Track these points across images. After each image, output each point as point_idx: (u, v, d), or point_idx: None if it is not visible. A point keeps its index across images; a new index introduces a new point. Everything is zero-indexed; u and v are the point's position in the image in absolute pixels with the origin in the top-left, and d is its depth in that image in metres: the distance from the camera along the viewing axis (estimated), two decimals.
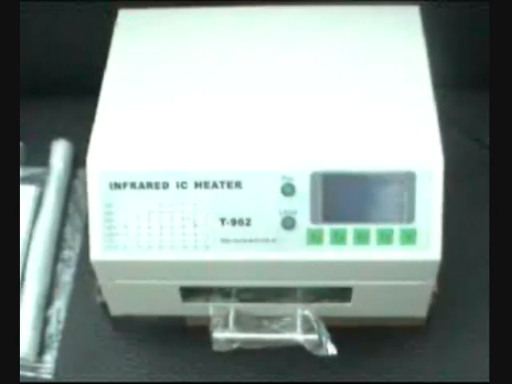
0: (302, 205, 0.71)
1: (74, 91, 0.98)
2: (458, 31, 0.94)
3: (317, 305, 0.77)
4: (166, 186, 0.72)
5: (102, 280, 0.76)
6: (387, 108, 0.74)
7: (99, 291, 0.79)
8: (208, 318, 0.78)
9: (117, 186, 0.72)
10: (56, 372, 0.83)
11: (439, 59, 0.79)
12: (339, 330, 0.77)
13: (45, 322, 0.86)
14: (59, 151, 0.97)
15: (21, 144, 0.97)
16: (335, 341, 0.77)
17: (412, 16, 0.82)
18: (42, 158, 0.97)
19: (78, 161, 0.97)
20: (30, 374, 0.83)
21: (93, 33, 0.94)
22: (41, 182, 0.95)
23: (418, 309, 0.78)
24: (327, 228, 0.72)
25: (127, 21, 0.83)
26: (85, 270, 0.86)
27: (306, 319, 0.77)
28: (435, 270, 0.74)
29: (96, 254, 0.73)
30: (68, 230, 0.93)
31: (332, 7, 0.83)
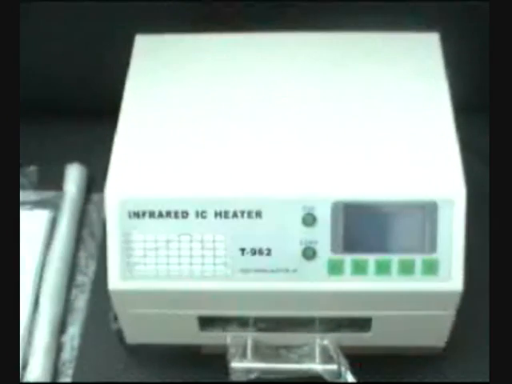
0: (322, 235, 0.71)
1: (88, 115, 0.98)
2: (479, 58, 0.94)
3: (336, 334, 0.77)
4: (185, 215, 0.71)
5: (119, 309, 0.75)
6: (408, 136, 0.74)
7: (115, 318, 0.78)
8: (223, 347, 0.77)
9: (135, 214, 0.71)
10: None
11: (460, 85, 0.79)
12: (357, 358, 0.76)
13: (59, 348, 0.85)
14: (73, 175, 0.96)
15: (33, 167, 0.97)
16: (354, 370, 0.76)
17: (432, 43, 0.82)
18: (55, 182, 0.96)
19: (91, 185, 0.97)
20: None
21: (108, 56, 0.94)
22: (54, 206, 0.95)
23: (438, 338, 0.78)
24: (348, 258, 0.71)
25: (144, 46, 0.83)
26: (99, 295, 0.85)
27: (324, 349, 0.77)
28: (457, 301, 0.73)
29: (114, 284, 0.72)
30: (82, 255, 0.92)
31: (351, 34, 0.82)
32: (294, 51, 0.81)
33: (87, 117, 0.98)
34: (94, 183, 0.97)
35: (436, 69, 0.80)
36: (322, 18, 0.86)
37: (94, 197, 0.96)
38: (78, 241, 0.93)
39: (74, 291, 0.90)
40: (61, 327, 0.87)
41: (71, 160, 0.98)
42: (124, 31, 0.83)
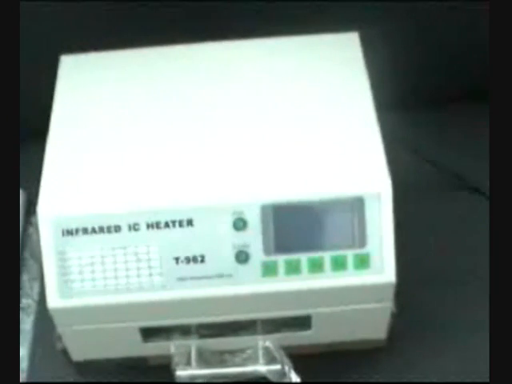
0: (254, 238, 0.72)
1: (22, 137, 0.97)
2: (398, 54, 0.96)
3: (277, 335, 0.78)
4: (118, 229, 0.72)
5: (60, 327, 0.76)
6: (331, 135, 0.75)
7: (59, 338, 0.79)
8: (170, 357, 0.78)
9: (69, 232, 0.72)
10: None
11: (381, 82, 0.80)
12: (302, 357, 0.77)
13: None
14: None
15: None
16: (299, 368, 0.77)
17: (352, 42, 0.84)
18: None
19: (31, 208, 0.97)
20: None
21: (37, 78, 0.94)
22: None
23: (378, 331, 0.79)
24: (281, 259, 0.72)
25: (70, 66, 0.83)
26: (44, 317, 0.85)
27: (267, 350, 0.78)
28: (391, 292, 0.74)
29: (53, 302, 0.73)
30: (25, 278, 0.93)
31: (271, 39, 0.84)
32: (217, 60, 0.83)
33: (22, 139, 0.97)
34: (33, 206, 0.97)
35: (357, 67, 0.81)
36: (245, 24, 0.88)
37: (34, 219, 0.96)
38: (20, 264, 0.94)
39: (20, 314, 0.90)
40: None
41: None
42: (48, 52, 0.84)
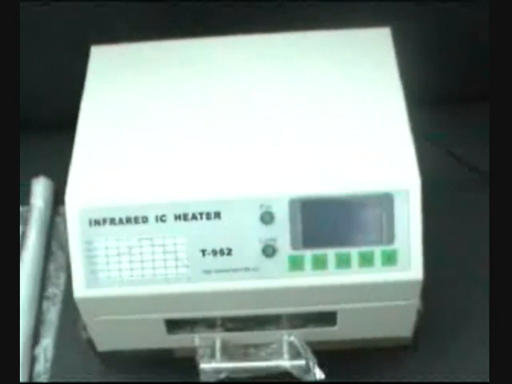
0: (281, 232, 0.72)
1: (51, 127, 0.98)
2: (428, 49, 0.95)
3: (302, 330, 0.77)
4: (145, 220, 0.72)
5: (86, 317, 0.76)
6: (362, 131, 0.75)
7: (85, 327, 0.79)
8: (195, 349, 0.78)
9: (96, 222, 0.72)
10: None
11: (412, 78, 0.80)
12: (327, 354, 0.77)
13: (33, 360, 0.86)
14: (39, 189, 0.97)
15: None
16: (323, 365, 0.77)
17: (384, 38, 0.83)
18: (22, 197, 0.96)
19: (59, 197, 0.97)
20: None
21: (68, 68, 0.94)
22: (22, 220, 0.95)
23: (404, 328, 0.78)
24: (308, 254, 0.72)
25: (100, 56, 0.83)
26: (70, 306, 0.85)
27: (292, 345, 0.77)
28: (418, 290, 0.74)
29: (79, 292, 0.73)
30: (52, 268, 0.93)
31: (304, 33, 0.84)
32: (248, 54, 0.82)
33: (51, 129, 0.98)
34: (61, 195, 0.97)
35: (388, 63, 0.81)
36: (276, 17, 0.88)
37: (62, 209, 0.97)
38: (47, 253, 0.94)
39: (46, 303, 0.91)
40: (34, 339, 0.87)
41: (37, 173, 0.98)
42: (79, 43, 0.85)
